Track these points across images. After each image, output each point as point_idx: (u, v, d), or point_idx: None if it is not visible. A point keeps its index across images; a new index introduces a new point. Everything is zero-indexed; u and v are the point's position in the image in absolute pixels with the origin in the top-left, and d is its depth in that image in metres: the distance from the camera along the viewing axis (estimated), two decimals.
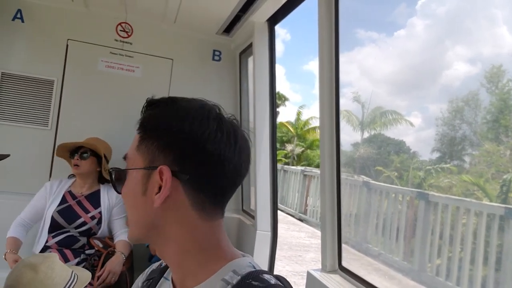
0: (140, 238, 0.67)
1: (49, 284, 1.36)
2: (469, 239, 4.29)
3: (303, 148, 20.79)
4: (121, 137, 2.73)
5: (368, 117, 17.85)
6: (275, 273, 0.69)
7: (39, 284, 1.34)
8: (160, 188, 0.60)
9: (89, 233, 2.31)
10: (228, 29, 2.85)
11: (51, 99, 2.67)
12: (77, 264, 2.21)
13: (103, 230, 2.34)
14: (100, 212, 2.34)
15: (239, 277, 0.61)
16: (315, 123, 19.70)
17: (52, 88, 2.67)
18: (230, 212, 2.95)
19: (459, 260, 4.35)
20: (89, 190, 2.40)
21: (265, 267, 2.46)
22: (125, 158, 0.67)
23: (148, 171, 0.62)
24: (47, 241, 2.25)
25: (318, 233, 7.66)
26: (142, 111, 0.68)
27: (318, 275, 1.86)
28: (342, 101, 1.90)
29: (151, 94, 2.59)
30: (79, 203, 2.34)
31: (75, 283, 1.49)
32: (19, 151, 2.61)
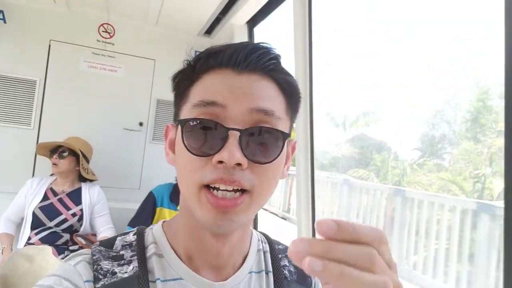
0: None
1: (43, 275, 1.41)
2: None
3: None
4: (103, 137, 2.80)
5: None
6: None
7: (34, 275, 1.38)
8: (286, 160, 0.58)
9: (71, 230, 2.35)
10: (209, 30, 2.93)
11: (33, 99, 2.70)
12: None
13: (85, 227, 2.39)
14: (81, 210, 2.38)
15: (267, 244, 0.67)
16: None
17: (35, 88, 2.70)
18: None
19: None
20: (71, 188, 2.44)
21: None
22: (267, 113, 0.52)
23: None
24: (29, 238, 2.28)
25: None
26: (269, 62, 0.54)
27: None
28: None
29: (133, 94, 2.71)
30: (61, 200, 2.38)
31: None
32: (2, 151, 2.63)
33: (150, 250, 0.57)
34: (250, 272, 0.61)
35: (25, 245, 2.26)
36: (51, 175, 2.51)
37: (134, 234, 0.59)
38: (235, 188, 0.50)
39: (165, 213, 2.30)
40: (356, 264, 0.29)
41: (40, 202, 2.34)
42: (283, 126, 0.54)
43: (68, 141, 2.45)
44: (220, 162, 0.49)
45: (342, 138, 18.78)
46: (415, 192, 5.87)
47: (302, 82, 1.94)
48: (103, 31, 2.86)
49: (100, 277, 0.51)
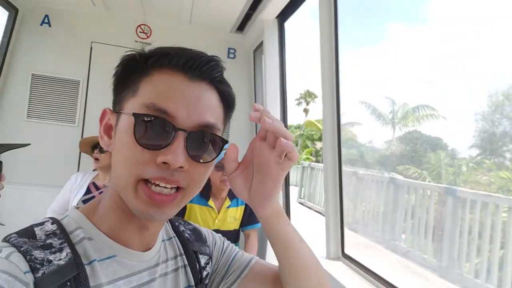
0: None
1: None
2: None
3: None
4: None
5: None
6: None
7: None
8: None
9: None
10: (241, 27, 2.94)
11: (77, 98, 2.87)
12: None
13: None
14: None
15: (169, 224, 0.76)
16: (348, 120, 19.42)
17: (79, 88, 2.87)
18: None
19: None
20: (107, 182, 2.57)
21: None
22: (208, 127, 0.57)
23: None
24: None
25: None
26: (218, 75, 0.60)
27: (322, 262, 1.91)
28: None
29: None
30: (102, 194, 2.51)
31: None
32: (49, 147, 2.83)
33: (77, 235, 0.58)
34: (163, 240, 0.70)
35: None
36: (94, 170, 2.65)
37: (51, 224, 0.59)
38: (173, 186, 0.56)
39: (195, 209, 2.35)
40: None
41: (83, 195, 2.48)
42: (220, 133, 0.61)
43: None
44: (165, 163, 0.53)
45: (391, 134, 18.05)
46: (468, 191, 5.49)
47: (329, 80, 1.89)
48: (140, 32, 2.97)
49: (38, 266, 0.51)
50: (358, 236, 7.06)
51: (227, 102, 0.62)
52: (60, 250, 0.55)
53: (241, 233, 2.47)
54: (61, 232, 0.57)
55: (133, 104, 0.56)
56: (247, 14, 2.67)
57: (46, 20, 2.81)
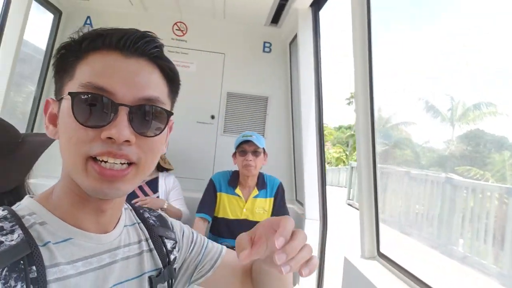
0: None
1: None
2: None
3: (387, 147, 19.75)
4: (178, 130, 2.93)
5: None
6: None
7: None
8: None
9: None
10: (275, 19, 2.86)
11: None
12: None
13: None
14: (158, 196, 2.55)
15: (128, 205, 0.76)
16: (399, 119, 18.58)
17: None
18: (287, 202, 2.97)
19: None
20: (149, 177, 2.62)
21: (316, 253, 2.43)
22: (151, 100, 0.57)
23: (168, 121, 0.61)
24: None
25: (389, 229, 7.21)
26: (154, 50, 0.59)
27: (355, 261, 1.79)
28: None
29: (205, 88, 2.78)
30: (141, 188, 2.57)
31: None
32: None
33: (29, 220, 0.58)
34: (125, 226, 0.70)
35: None
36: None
37: (2, 210, 0.58)
38: (122, 161, 0.55)
39: (224, 198, 2.35)
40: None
41: None
42: (166, 107, 0.60)
43: None
44: (110, 138, 0.53)
45: (450, 133, 16.95)
46: None
47: (361, 75, 1.76)
48: (176, 29, 3.01)
49: None
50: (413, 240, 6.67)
51: (169, 77, 0.62)
52: (12, 232, 0.54)
53: None
54: (12, 216, 0.57)
55: (71, 87, 0.56)
56: (280, 4, 2.59)
57: (88, 21, 2.94)
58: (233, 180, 2.36)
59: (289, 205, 2.93)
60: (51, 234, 0.57)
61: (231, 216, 2.34)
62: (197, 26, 3.03)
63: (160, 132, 0.59)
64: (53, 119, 0.60)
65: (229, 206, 2.34)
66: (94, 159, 0.54)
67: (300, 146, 2.70)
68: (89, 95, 0.53)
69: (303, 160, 2.60)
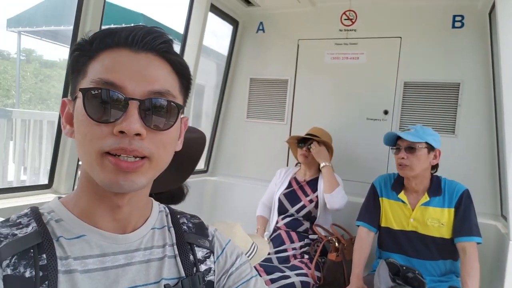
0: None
1: None
2: None
3: None
4: (344, 127, 2.71)
5: None
6: None
7: None
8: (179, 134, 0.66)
9: (310, 217, 2.40)
10: None
11: (285, 96, 2.96)
12: (301, 247, 2.33)
13: (321, 215, 2.37)
14: (317, 196, 2.41)
15: (168, 209, 0.76)
16: None
17: (287, 87, 2.96)
18: (486, 218, 2.29)
19: None
20: (310, 177, 2.51)
21: None
22: (161, 94, 0.58)
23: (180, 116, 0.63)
24: (277, 222, 2.49)
25: None
26: (162, 45, 0.60)
27: None
28: None
29: (376, 80, 2.51)
30: (301, 188, 2.49)
31: (252, 255, 1.55)
32: (262, 144, 3.05)
33: (46, 217, 0.61)
34: (153, 228, 0.69)
35: (274, 228, 2.49)
36: (296, 165, 2.66)
37: (27, 209, 0.63)
38: (135, 156, 0.55)
39: (385, 204, 2.03)
40: None
41: (285, 189, 2.53)
42: (178, 100, 0.61)
43: (313, 131, 2.51)
44: (122, 132, 0.54)
45: None
46: None
47: None
48: (345, 19, 2.78)
49: (1, 239, 0.55)
50: None
51: (180, 71, 0.63)
52: (27, 226, 0.58)
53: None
54: (32, 213, 0.61)
55: (83, 85, 0.57)
56: None
57: (261, 27, 3.06)
58: (397, 183, 2.01)
59: (489, 222, 2.27)
60: (66, 230, 0.60)
61: (395, 227, 1.96)
62: (368, 11, 2.72)
63: (171, 126, 0.59)
64: (70, 119, 0.62)
65: (393, 214, 1.98)
66: (108, 153, 0.55)
67: (503, 146, 2.03)
68: (99, 90, 0.55)
69: (506, 164, 1.94)
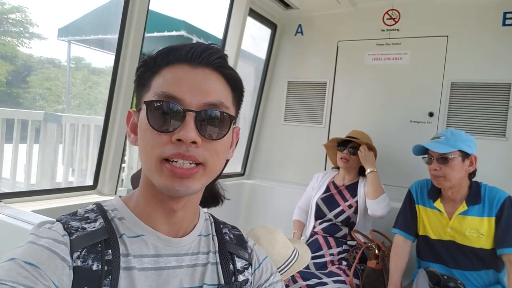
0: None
1: None
2: None
3: None
4: (386, 130, 2.61)
5: None
6: None
7: None
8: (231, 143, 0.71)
9: (349, 223, 2.32)
10: None
11: (324, 99, 2.91)
12: (339, 253, 2.26)
13: (360, 221, 2.30)
14: (356, 201, 2.33)
15: (212, 218, 0.81)
16: None
17: (325, 89, 2.91)
18: None
19: None
20: (349, 182, 2.44)
21: None
22: (215, 105, 0.63)
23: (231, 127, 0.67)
24: (314, 227, 2.44)
25: None
26: (218, 60, 0.66)
27: None
28: None
29: (421, 80, 2.42)
30: (340, 192, 2.42)
31: (293, 263, 1.51)
32: (300, 148, 3.01)
33: (111, 214, 0.67)
34: (200, 235, 0.74)
35: (311, 233, 2.45)
36: (332, 168, 2.60)
37: (93, 205, 0.69)
38: (191, 162, 0.61)
39: (422, 211, 1.92)
40: None
41: (322, 194, 2.47)
42: (230, 112, 0.66)
43: (353, 134, 2.45)
44: (179, 140, 0.59)
45: None
46: None
47: None
48: (387, 19, 2.70)
49: (73, 231, 0.60)
50: None
51: (233, 84, 0.68)
52: (95, 221, 0.64)
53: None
54: (98, 209, 0.67)
55: (147, 98, 0.64)
56: None
57: (299, 30, 3.03)
58: (434, 190, 1.90)
59: None
60: (127, 228, 0.65)
61: (432, 236, 1.86)
62: (412, 10, 2.62)
63: (224, 136, 0.64)
64: (134, 128, 0.68)
65: (429, 223, 1.89)
66: (167, 160, 0.60)
67: None
68: (161, 103, 0.61)
69: None
